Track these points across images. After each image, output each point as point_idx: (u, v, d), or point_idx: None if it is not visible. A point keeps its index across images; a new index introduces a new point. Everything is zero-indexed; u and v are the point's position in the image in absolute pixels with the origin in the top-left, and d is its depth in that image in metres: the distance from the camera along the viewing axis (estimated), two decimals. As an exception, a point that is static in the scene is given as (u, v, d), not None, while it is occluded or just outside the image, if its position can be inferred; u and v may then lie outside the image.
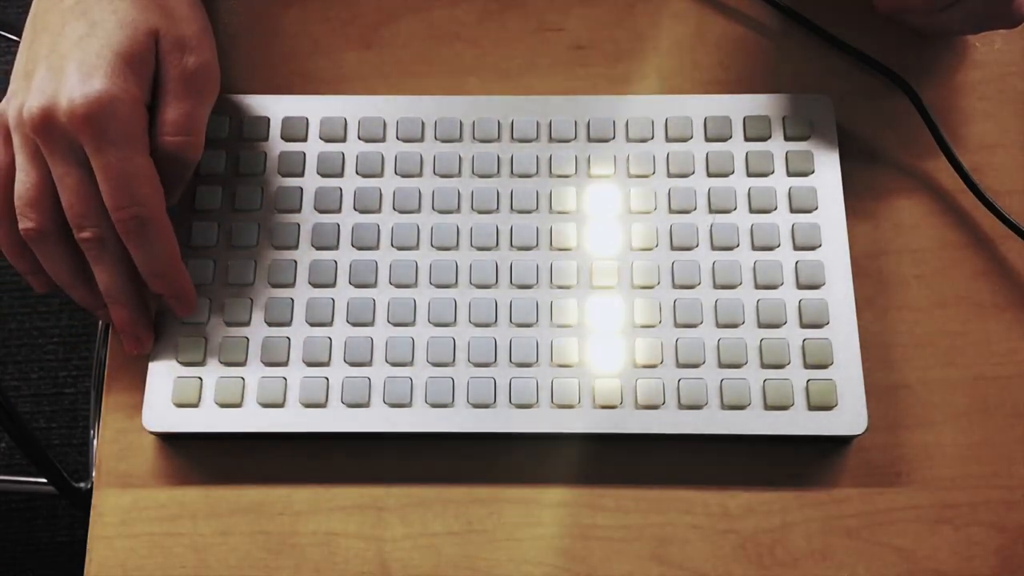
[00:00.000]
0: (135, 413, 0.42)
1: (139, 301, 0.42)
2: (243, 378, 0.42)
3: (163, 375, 0.42)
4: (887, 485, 0.42)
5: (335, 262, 0.44)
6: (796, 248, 0.44)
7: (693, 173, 0.45)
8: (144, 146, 0.39)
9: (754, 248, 0.44)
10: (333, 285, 0.43)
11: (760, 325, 0.42)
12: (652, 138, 0.46)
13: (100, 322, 0.95)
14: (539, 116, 0.46)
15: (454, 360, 0.42)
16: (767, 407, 0.41)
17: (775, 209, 0.44)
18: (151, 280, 0.41)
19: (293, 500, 0.42)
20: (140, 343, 0.42)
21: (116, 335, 0.44)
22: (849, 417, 0.41)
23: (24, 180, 0.39)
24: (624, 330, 0.42)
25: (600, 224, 0.44)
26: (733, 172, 0.45)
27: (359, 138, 0.46)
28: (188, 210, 0.45)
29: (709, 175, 0.45)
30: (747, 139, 0.45)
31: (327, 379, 0.42)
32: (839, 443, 0.43)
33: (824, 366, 0.42)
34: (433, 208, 0.45)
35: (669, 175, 0.45)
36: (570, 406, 0.41)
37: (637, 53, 0.49)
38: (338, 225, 0.44)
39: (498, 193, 0.45)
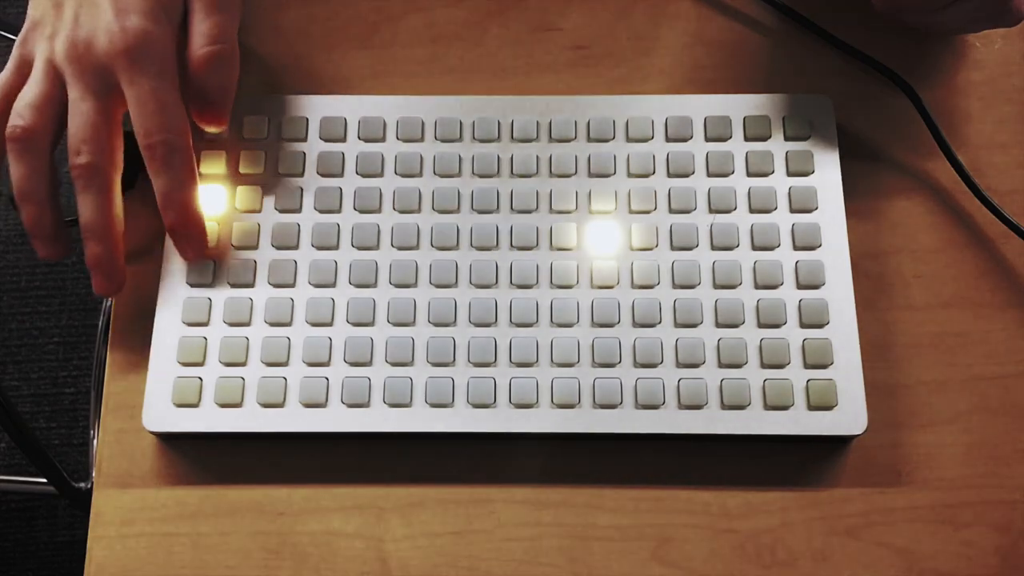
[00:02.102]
0: (135, 413, 0.42)
1: (116, 241, 0.41)
2: (243, 378, 0.42)
3: (163, 375, 0.42)
4: (887, 485, 0.42)
5: (335, 262, 0.44)
6: (796, 248, 0.44)
7: (693, 173, 0.45)
8: (176, 82, 0.41)
9: (754, 248, 0.44)
10: (333, 285, 0.43)
11: (760, 325, 0.42)
12: (652, 138, 0.46)
13: (100, 322, 0.95)
14: (539, 116, 0.46)
15: (454, 360, 0.42)
16: (767, 407, 0.41)
17: (775, 209, 0.44)
18: (167, 211, 0.42)
19: (293, 500, 0.42)
20: (110, 281, 0.42)
21: (113, 337, 0.44)
22: (849, 417, 0.41)
23: (32, 89, 0.41)
24: (624, 330, 0.42)
25: (600, 224, 0.44)
26: (733, 172, 0.45)
27: (359, 138, 0.46)
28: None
29: (709, 175, 0.45)
30: (747, 139, 0.45)
31: (327, 379, 0.42)
32: (839, 443, 0.43)
33: (824, 366, 0.42)
34: (433, 208, 0.45)
35: (669, 175, 0.45)
36: (570, 406, 0.41)
37: (637, 53, 0.49)
38: (338, 225, 0.44)
39: (498, 193, 0.45)
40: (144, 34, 0.40)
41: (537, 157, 0.45)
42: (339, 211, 0.45)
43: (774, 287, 0.43)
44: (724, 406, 0.41)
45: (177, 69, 0.41)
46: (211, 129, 0.44)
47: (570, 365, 0.42)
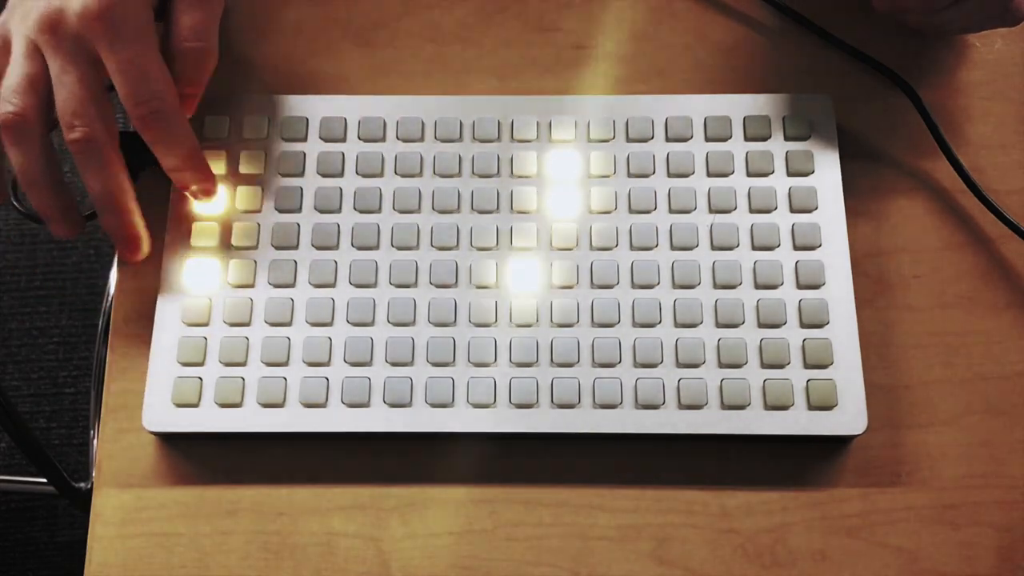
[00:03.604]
0: (135, 413, 0.42)
1: (128, 207, 0.41)
2: (243, 378, 0.42)
3: (163, 375, 0.42)
4: (887, 485, 0.42)
5: (335, 262, 0.44)
6: (796, 248, 0.44)
7: (693, 173, 0.45)
8: (155, 45, 0.40)
9: (754, 248, 0.44)
10: (333, 285, 0.43)
11: (760, 325, 0.42)
12: (652, 138, 0.46)
13: (100, 322, 0.95)
14: (539, 116, 0.46)
15: (454, 360, 0.42)
16: (767, 407, 0.41)
17: (775, 209, 0.44)
18: (175, 173, 0.42)
19: (293, 500, 0.42)
20: (134, 248, 0.42)
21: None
22: (849, 417, 0.41)
23: (15, 72, 0.40)
24: (624, 330, 0.42)
25: (601, 224, 0.44)
26: (733, 172, 0.45)
27: (359, 138, 0.46)
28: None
29: (709, 175, 0.45)
30: (747, 139, 0.45)
31: (327, 379, 0.42)
32: (839, 443, 0.43)
33: (824, 366, 0.42)
34: (433, 208, 0.45)
35: (669, 175, 0.45)
36: (570, 406, 0.41)
37: (637, 53, 0.49)
38: (338, 225, 0.44)
39: (498, 193, 0.45)
40: None
41: (537, 157, 0.45)
42: (339, 211, 0.45)
43: (774, 287, 0.43)
44: (724, 406, 0.41)
45: (155, 31, 0.40)
46: None
47: (570, 365, 0.42)
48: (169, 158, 0.41)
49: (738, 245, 0.44)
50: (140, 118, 0.40)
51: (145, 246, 0.43)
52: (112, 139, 0.40)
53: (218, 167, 0.45)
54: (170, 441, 0.43)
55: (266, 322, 0.43)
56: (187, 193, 0.43)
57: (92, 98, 0.39)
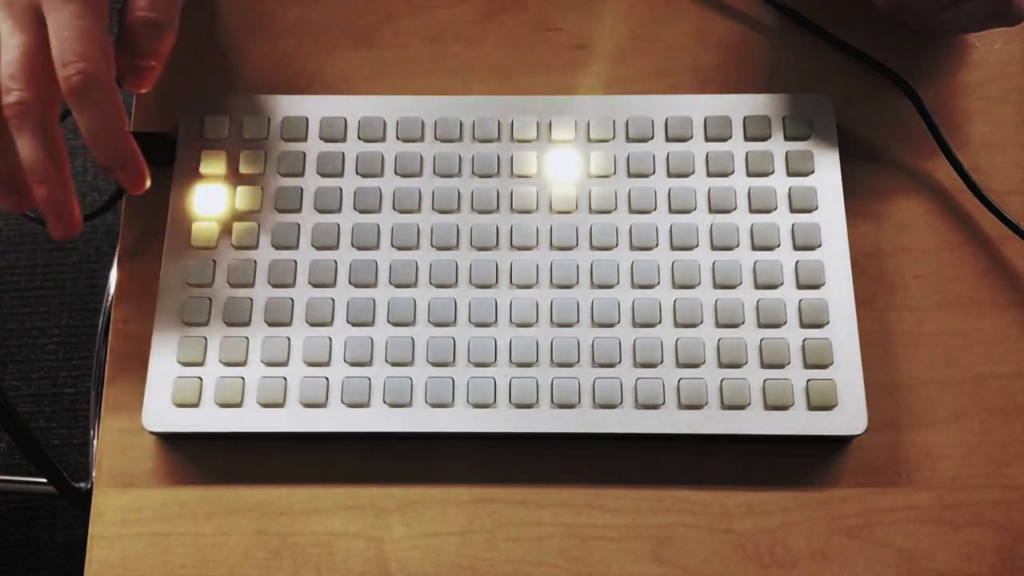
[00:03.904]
0: (135, 413, 0.42)
1: (62, 180, 0.39)
2: (243, 378, 0.42)
3: (163, 375, 0.42)
4: (887, 485, 0.42)
5: (335, 262, 0.44)
6: (796, 248, 0.44)
7: (693, 173, 0.45)
8: (103, 14, 0.38)
9: (754, 248, 0.44)
10: (333, 285, 0.43)
11: (760, 325, 0.42)
12: (652, 138, 0.46)
13: (100, 322, 0.95)
14: (539, 116, 0.46)
15: (454, 360, 0.42)
16: (767, 407, 0.41)
17: (775, 209, 0.44)
18: (96, 148, 0.39)
19: (293, 500, 0.42)
20: (65, 223, 0.40)
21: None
22: (849, 417, 0.41)
23: None
24: (624, 330, 0.42)
25: (600, 224, 0.44)
26: (733, 172, 0.45)
27: (359, 138, 0.46)
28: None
29: (709, 175, 0.45)
30: (747, 139, 0.45)
31: (327, 379, 0.42)
32: (839, 443, 0.43)
33: (824, 366, 0.42)
34: (433, 208, 0.45)
35: (669, 175, 0.45)
36: (570, 406, 0.41)
37: (637, 53, 0.49)
38: (338, 225, 0.44)
39: (498, 193, 0.45)
40: None
41: (537, 157, 0.45)
42: (339, 211, 0.45)
43: (774, 287, 0.43)
44: (724, 406, 0.41)
45: (107, 3, 0.39)
46: (131, 90, 0.42)
47: (570, 365, 0.42)
48: (90, 130, 0.39)
49: (738, 245, 0.44)
50: (65, 80, 0.38)
51: (77, 222, 0.40)
52: (47, 107, 0.38)
53: (218, 167, 0.45)
54: (170, 441, 0.43)
55: (266, 322, 0.43)
56: (109, 175, 0.41)
57: (33, 63, 0.38)
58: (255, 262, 0.44)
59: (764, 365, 0.42)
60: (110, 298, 0.74)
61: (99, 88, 0.38)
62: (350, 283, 0.43)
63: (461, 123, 0.46)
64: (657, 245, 0.44)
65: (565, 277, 0.43)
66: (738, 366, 0.42)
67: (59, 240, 0.40)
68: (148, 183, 0.41)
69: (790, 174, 0.45)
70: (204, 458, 0.43)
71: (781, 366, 0.42)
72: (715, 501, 0.42)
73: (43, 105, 0.38)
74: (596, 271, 0.43)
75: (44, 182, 0.39)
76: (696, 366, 0.42)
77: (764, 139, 0.45)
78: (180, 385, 0.42)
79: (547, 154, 0.45)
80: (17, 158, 0.39)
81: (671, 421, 0.41)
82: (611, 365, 0.42)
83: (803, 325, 0.42)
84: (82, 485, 0.82)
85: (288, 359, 0.42)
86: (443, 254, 0.44)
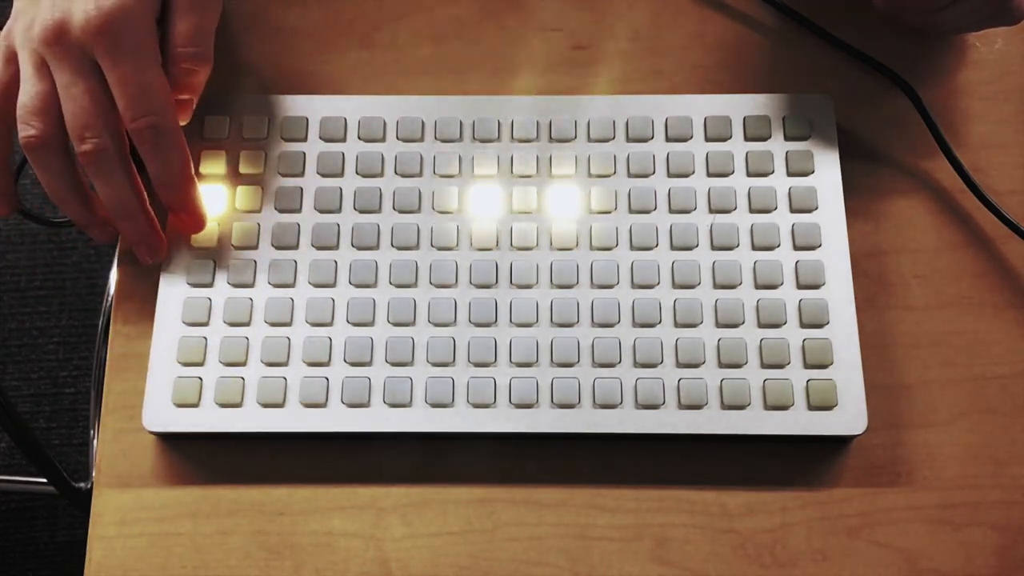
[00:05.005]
0: (135, 413, 0.42)
1: (145, 211, 0.42)
2: (243, 378, 0.42)
3: (163, 375, 0.42)
4: (887, 485, 0.42)
5: (335, 262, 0.44)
6: (796, 248, 0.44)
7: (693, 173, 0.45)
8: (157, 59, 0.40)
9: (754, 248, 0.44)
10: (333, 285, 0.43)
11: (760, 325, 0.42)
12: (652, 138, 0.46)
13: (100, 322, 0.95)
14: (539, 116, 0.46)
15: (454, 360, 0.42)
16: (767, 407, 0.41)
17: (775, 209, 0.44)
18: (163, 192, 0.42)
19: (293, 500, 0.42)
20: (154, 251, 0.43)
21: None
22: (849, 417, 0.41)
23: (29, 91, 0.40)
24: (624, 330, 0.42)
25: (600, 224, 0.44)
26: (733, 172, 0.45)
27: (359, 138, 0.46)
28: (188, 210, 0.45)
29: (709, 175, 0.45)
30: (747, 139, 0.45)
31: (327, 379, 0.42)
32: (839, 443, 0.43)
33: (824, 366, 0.42)
34: (433, 208, 0.45)
35: (669, 175, 0.45)
36: (570, 406, 0.41)
37: (637, 53, 0.49)
38: (338, 225, 0.44)
39: (498, 193, 0.45)
40: (119, 10, 0.39)
41: (537, 157, 0.45)
42: (339, 211, 0.45)
43: (774, 287, 0.43)
44: (724, 406, 0.41)
45: (157, 45, 0.41)
46: None
47: (570, 365, 0.42)
48: (160, 175, 0.41)
49: (738, 245, 0.44)
50: (136, 131, 0.40)
51: (164, 247, 0.43)
52: (121, 148, 0.41)
53: (218, 167, 0.45)
54: (170, 441, 0.43)
55: (266, 322, 0.43)
56: (175, 223, 0.44)
57: (99, 110, 0.40)
58: (255, 262, 0.44)
59: (764, 365, 0.42)
60: (110, 298, 0.74)
61: (169, 137, 0.41)
62: (350, 283, 0.43)
63: (461, 123, 0.46)
64: (657, 245, 0.44)
65: (565, 277, 0.43)
66: (738, 366, 0.42)
67: (147, 263, 0.43)
68: (202, 226, 0.44)
69: (790, 174, 0.45)
70: (204, 458, 0.43)
71: (781, 366, 0.42)
72: (715, 501, 0.42)
73: (118, 148, 0.40)
74: (596, 271, 0.43)
75: (129, 219, 0.42)
76: (696, 366, 0.42)
77: (764, 139, 0.45)
78: (180, 385, 0.42)
79: (547, 155, 0.45)
80: (95, 199, 0.42)
81: (671, 421, 0.41)
82: (611, 365, 0.42)
83: (803, 325, 0.42)
84: (82, 485, 0.82)
85: (288, 359, 0.42)
86: (443, 254, 0.44)
